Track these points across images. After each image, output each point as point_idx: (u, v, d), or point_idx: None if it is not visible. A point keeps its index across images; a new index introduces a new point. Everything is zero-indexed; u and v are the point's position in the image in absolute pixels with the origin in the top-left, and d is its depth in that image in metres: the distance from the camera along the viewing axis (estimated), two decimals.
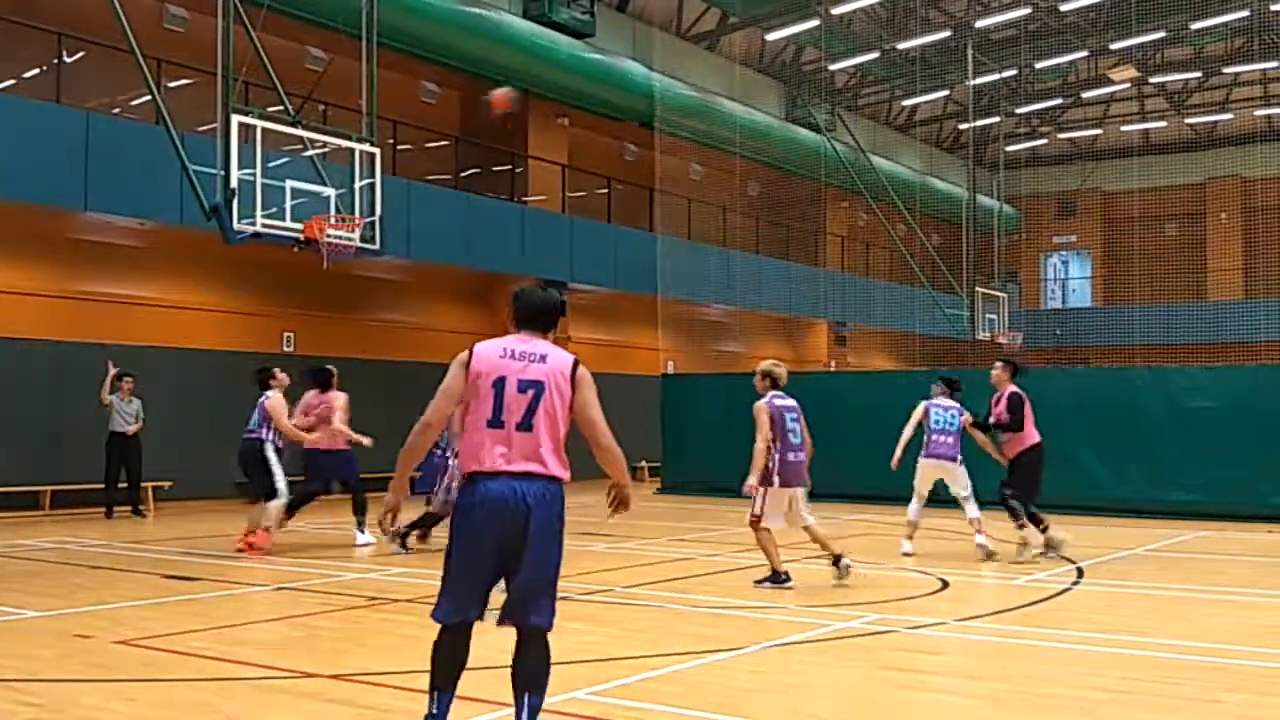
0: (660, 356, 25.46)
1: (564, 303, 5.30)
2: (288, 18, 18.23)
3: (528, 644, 5.05)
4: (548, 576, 4.99)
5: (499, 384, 4.94)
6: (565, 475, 4.98)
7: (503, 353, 5.01)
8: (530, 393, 4.93)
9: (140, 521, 16.51)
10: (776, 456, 10.02)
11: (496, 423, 4.90)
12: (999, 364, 12.63)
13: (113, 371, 16.88)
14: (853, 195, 34.73)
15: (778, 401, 10.20)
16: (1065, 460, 17.71)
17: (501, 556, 4.92)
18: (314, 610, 9.00)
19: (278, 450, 12.61)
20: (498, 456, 4.89)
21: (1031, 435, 12.21)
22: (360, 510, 13.45)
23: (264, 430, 12.58)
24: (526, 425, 4.90)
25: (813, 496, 19.63)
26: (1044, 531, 12.09)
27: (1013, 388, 12.25)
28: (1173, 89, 40.26)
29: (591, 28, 24.73)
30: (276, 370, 12.99)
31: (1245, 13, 30.12)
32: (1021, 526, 11.97)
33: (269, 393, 12.68)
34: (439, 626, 5.08)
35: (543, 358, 5.00)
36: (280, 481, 12.45)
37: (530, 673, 5.03)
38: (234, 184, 13.75)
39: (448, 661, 5.10)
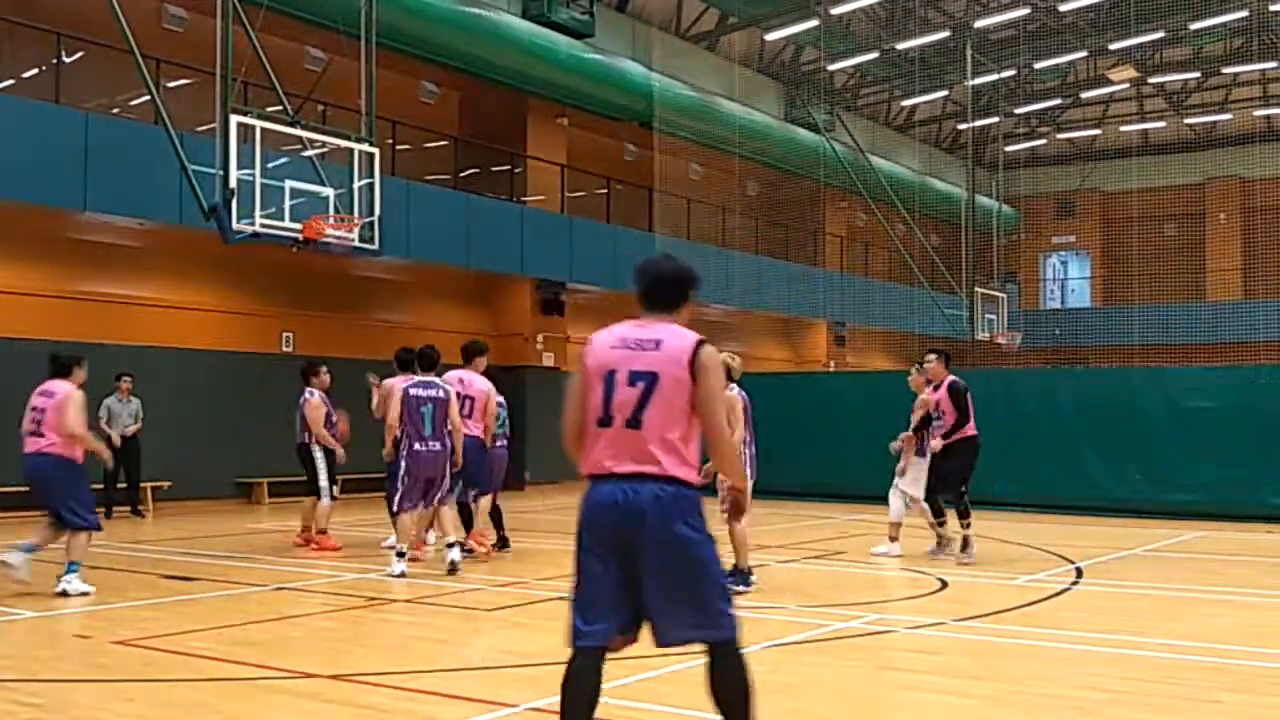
0: None
1: (694, 275, 4.63)
2: (287, 18, 18.22)
3: (717, 661, 4.38)
4: (696, 585, 4.32)
5: (609, 378, 4.40)
6: (689, 474, 4.36)
7: (616, 342, 4.47)
8: (641, 385, 4.36)
9: (139, 522, 16.51)
10: (747, 451, 9.86)
11: (606, 420, 4.36)
12: (931, 355, 12.16)
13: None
14: (852, 195, 34.74)
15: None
16: (1066, 460, 17.77)
17: (624, 566, 4.33)
18: (313, 610, 9.00)
19: (328, 452, 12.68)
20: (606, 457, 4.36)
21: (971, 427, 11.85)
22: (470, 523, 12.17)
23: (306, 433, 12.72)
24: (635, 422, 4.33)
25: (812, 497, 19.69)
26: (940, 527, 11.96)
27: (951, 377, 11.91)
28: (1172, 89, 40.27)
29: (590, 28, 24.72)
30: (321, 368, 13.07)
31: (1244, 13, 30.12)
32: (945, 524, 11.93)
33: (311, 392, 12.75)
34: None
35: (657, 344, 4.40)
36: (323, 481, 12.53)
37: (726, 699, 4.36)
38: (233, 184, 13.75)
39: (574, 695, 4.53)
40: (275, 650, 7.34)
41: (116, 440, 16.29)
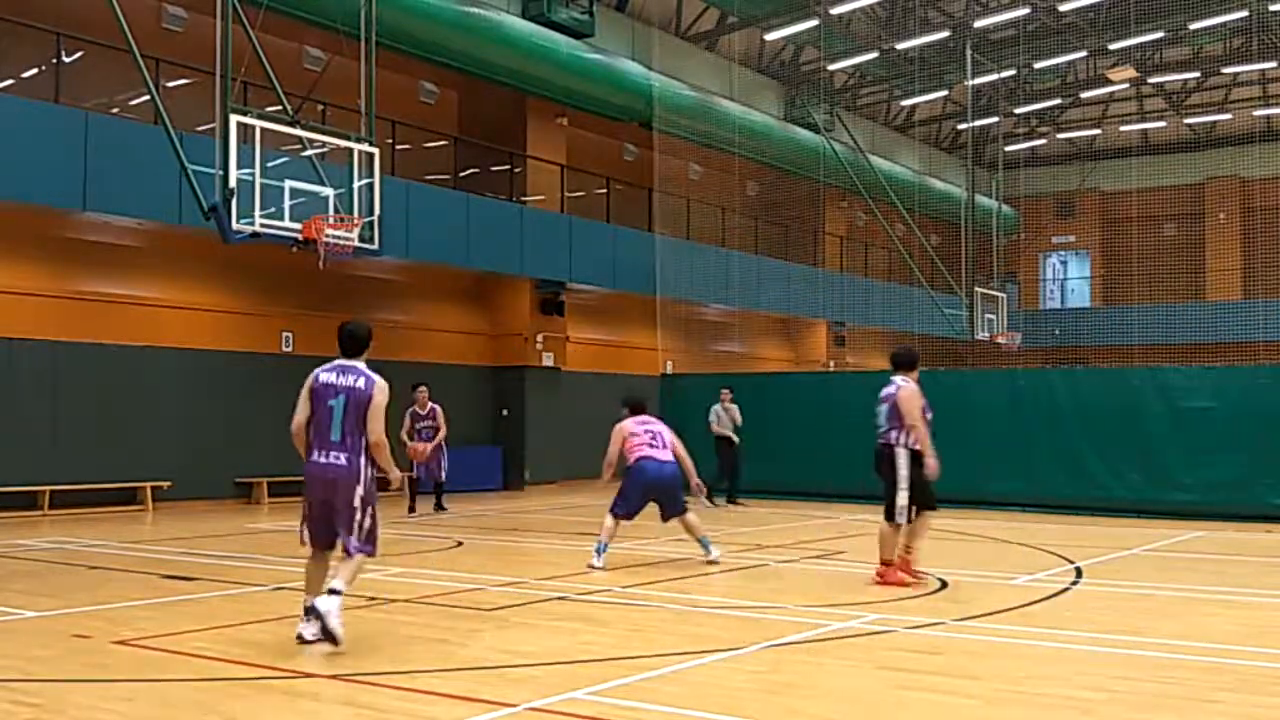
0: (659, 356, 25.48)
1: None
2: (286, 17, 18.22)
3: None
4: None
5: None
6: None
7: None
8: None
9: (736, 511, 18.28)
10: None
11: None
12: None
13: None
14: (851, 195, 34.73)
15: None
16: (1066, 460, 17.77)
17: None
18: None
19: (914, 455, 10.08)
20: None
21: None
22: None
23: (895, 433, 10.19)
24: None
25: (812, 497, 19.63)
26: None
27: None
28: (1171, 89, 40.26)
29: (590, 28, 24.72)
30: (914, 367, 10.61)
31: (1244, 13, 30.13)
32: None
33: (899, 379, 10.33)
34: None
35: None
36: (901, 496, 10.08)
37: None
38: (232, 184, 13.74)
39: None
40: (275, 650, 7.33)
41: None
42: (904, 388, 10.15)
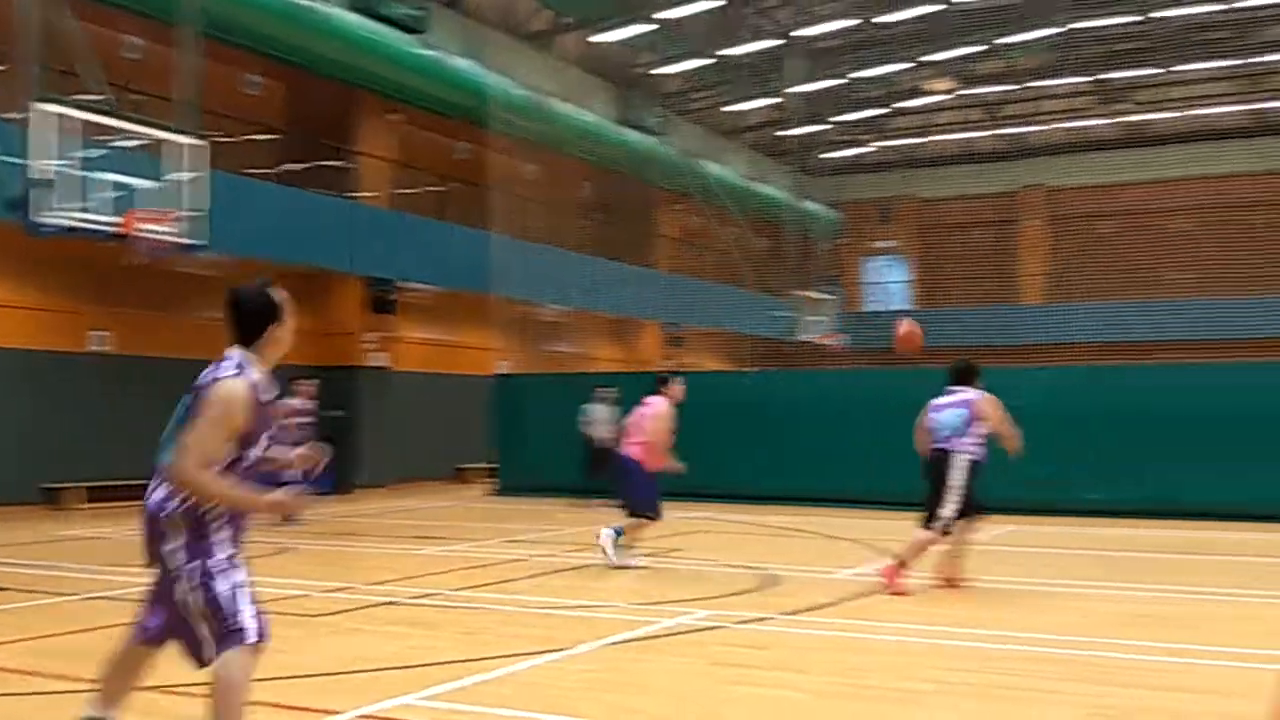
0: (493, 356, 25.30)
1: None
2: (101, 3, 17.44)
3: None
4: None
5: None
6: None
7: None
8: None
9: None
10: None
11: None
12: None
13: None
14: (685, 198, 35.13)
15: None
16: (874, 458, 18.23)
17: None
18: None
19: (974, 464, 9.73)
20: None
21: None
22: None
23: (957, 438, 9.81)
24: None
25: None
26: None
27: None
28: (990, 100, 41.95)
29: (423, 24, 24.39)
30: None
31: (1054, 29, 31.63)
32: None
33: (971, 392, 10.05)
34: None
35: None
36: (949, 505, 9.64)
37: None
38: (39, 174, 13.09)
39: None
40: (83, 660, 7.00)
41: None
42: (985, 396, 10.02)
